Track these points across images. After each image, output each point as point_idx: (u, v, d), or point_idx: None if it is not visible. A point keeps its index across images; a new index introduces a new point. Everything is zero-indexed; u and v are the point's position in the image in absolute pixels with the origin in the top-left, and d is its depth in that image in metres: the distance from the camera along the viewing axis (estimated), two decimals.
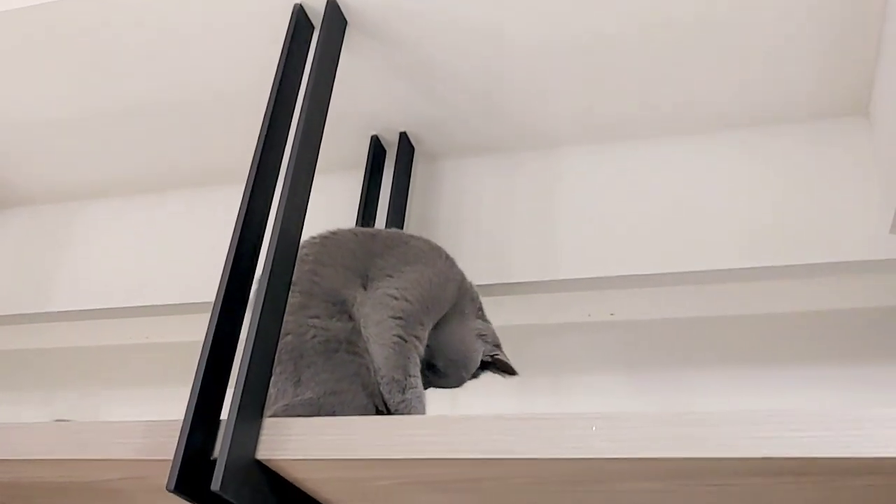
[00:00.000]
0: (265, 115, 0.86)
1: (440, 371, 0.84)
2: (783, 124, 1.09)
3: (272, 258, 0.76)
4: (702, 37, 0.98)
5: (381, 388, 0.77)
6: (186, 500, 0.66)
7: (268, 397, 0.73)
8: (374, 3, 0.95)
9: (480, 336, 0.86)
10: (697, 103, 1.09)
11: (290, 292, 0.78)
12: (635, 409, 1.06)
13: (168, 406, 0.75)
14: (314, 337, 0.77)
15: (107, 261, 1.33)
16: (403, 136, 1.19)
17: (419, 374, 0.79)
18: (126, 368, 1.34)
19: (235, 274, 0.77)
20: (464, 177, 1.21)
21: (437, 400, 0.86)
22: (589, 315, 1.15)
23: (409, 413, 0.76)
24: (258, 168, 0.83)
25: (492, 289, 1.08)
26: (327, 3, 0.93)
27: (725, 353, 1.06)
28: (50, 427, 0.80)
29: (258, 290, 0.76)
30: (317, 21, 0.94)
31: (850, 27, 0.95)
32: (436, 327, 0.83)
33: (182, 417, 0.69)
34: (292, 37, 0.91)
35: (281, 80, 0.88)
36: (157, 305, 1.25)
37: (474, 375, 0.88)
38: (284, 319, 0.77)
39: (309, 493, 0.76)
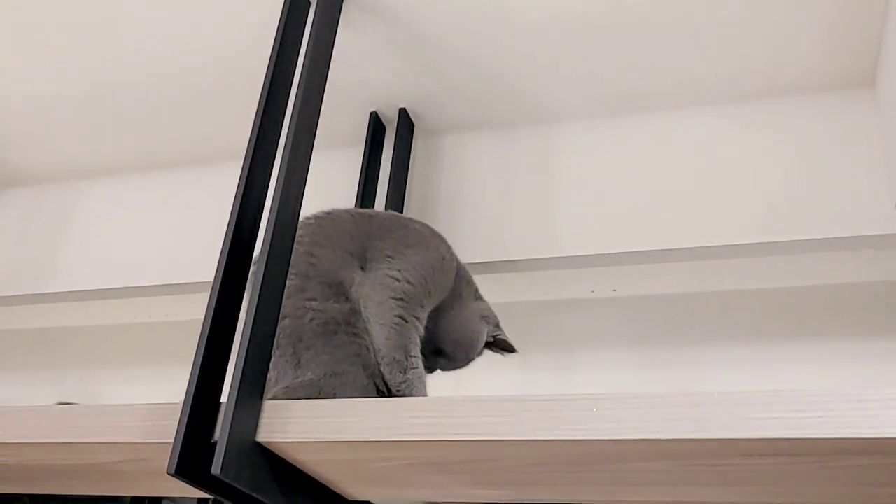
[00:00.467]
0: (262, 91, 0.85)
1: (448, 355, 0.84)
2: (787, 97, 1.07)
3: (271, 237, 0.75)
4: (705, 8, 0.96)
5: (382, 369, 0.77)
6: (187, 483, 0.66)
7: (267, 380, 0.72)
8: None
9: (483, 317, 0.86)
10: (700, 76, 1.07)
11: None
12: (639, 384, 1.06)
13: (172, 385, 0.75)
14: (312, 319, 0.76)
15: (108, 240, 1.33)
16: (403, 112, 1.18)
17: (419, 354, 0.79)
18: (129, 347, 1.34)
19: (234, 254, 0.76)
20: (464, 153, 1.20)
21: (440, 378, 0.86)
22: (592, 291, 1.14)
23: (410, 393, 0.76)
24: (256, 145, 0.82)
25: (494, 266, 1.08)
26: None
27: (729, 328, 1.06)
28: (52, 410, 0.80)
29: (257, 269, 0.75)
30: None
31: None
32: (438, 313, 0.84)
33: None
34: (289, 12, 0.90)
35: (278, 56, 0.87)
36: (159, 286, 1.25)
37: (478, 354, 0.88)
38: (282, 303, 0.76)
39: (310, 474, 0.76)
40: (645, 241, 1.05)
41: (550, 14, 0.99)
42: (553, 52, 1.05)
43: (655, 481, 0.70)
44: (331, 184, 1.15)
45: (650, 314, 1.11)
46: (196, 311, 0.75)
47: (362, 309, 0.79)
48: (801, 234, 0.99)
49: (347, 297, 0.79)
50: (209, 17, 1.03)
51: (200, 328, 0.72)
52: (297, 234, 0.81)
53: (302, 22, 0.91)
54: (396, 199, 1.13)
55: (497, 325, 0.88)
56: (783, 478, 0.66)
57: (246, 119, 0.84)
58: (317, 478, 0.77)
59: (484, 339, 0.86)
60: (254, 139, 0.82)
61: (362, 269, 0.81)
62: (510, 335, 0.89)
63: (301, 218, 0.82)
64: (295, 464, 0.73)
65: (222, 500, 0.69)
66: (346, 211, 0.89)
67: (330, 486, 0.79)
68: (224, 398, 0.69)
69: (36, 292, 1.32)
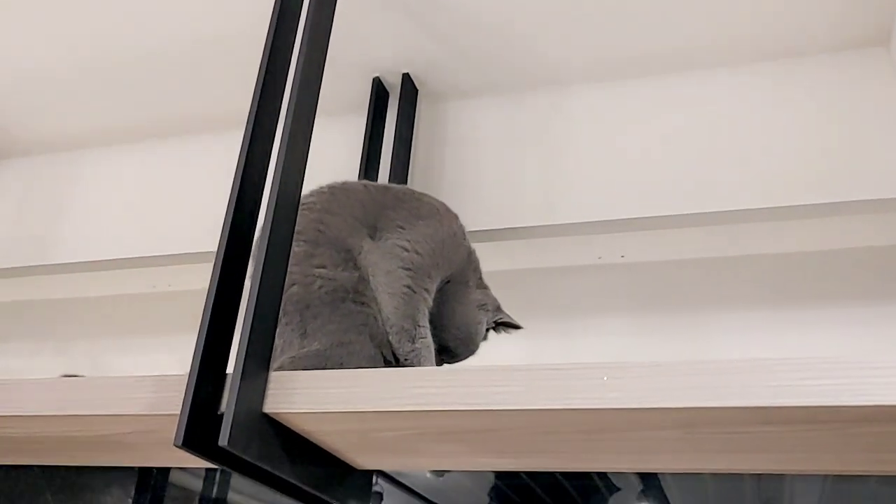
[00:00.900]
0: (262, 57, 0.83)
1: (451, 350, 0.84)
2: (802, 57, 1.05)
3: (275, 205, 0.74)
4: None
5: (391, 338, 0.76)
6: (195, 454, 0.65)
7: (273, 349, 0.72)
8: None
9: (481, 307, 0.85)
10: (712, 37, 1.04)
11: (295, 241, 0.76)
12: (647, 351, 1.05)
13: (179, 354, 0.74)
14: (321, 287, 0.76)
15: (110, 211, 1.32)
16: (406, 78, 1.16)
17: (427, 324, 0.78)
18: (134, 318, 1.33)
19: (237, 223, 0.75)
20: (469, 118, 1.18)
21: None
22: (599, 258, 1.13)
23: (418, 363, 0.75)
24: (257, 113, 0.80)
25: (500, 234, 1.07)
26: None
27: (740, 294, 1.05)
28: (59, 382, 0.79)
29: (260, 237, 0.74)
30: None
31: None
32: (441, 303, 0.82)
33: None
34: None
35: (277, 21, 0.85)
36: (162, 255, 1.24)
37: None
38: (289, 270, 0.75)
39: (318, 444, 0.75)
40: (653, 207, 1.03)
41: None
42: (560, 14, 1.03)
43: (666, 449, 0.70)
44: (334, 151, 1.13)
45: (658, 280, 1.09)
46: (201, 280, 0.74)
47: (371, 278, 0.78)
48: (814, 199, 0.97)
49: (356, 265, 0.78)
50: None
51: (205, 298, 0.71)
52: (310, 201, 0.80)
53: None
54: (400, 165, 1.12)
55: (497, 309, 0.87)
56: (797, 446, 0.65)
57: (247, 86, 0.82)
58: (325, 448, 0.76)
59: (484, 328, 0.86)
60: (255, 107, 0.80)
61: (371, 237, 0.80)
62: (517, 303, 0.88)
63: (316, 187, 0.80)
64: (302, 434, 0.72)
65: (230, 470, 0.69)
66: (362, 182, 0.88)
67: (338, 455, 0.79)
68: (230, 369, 0.68)
69: (39, 264, 1.31)
